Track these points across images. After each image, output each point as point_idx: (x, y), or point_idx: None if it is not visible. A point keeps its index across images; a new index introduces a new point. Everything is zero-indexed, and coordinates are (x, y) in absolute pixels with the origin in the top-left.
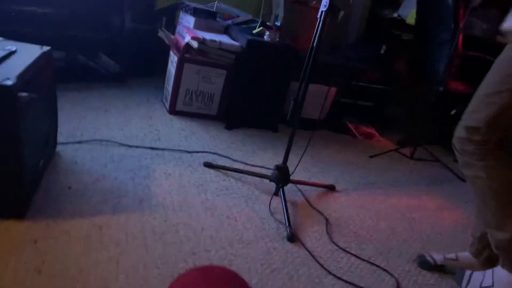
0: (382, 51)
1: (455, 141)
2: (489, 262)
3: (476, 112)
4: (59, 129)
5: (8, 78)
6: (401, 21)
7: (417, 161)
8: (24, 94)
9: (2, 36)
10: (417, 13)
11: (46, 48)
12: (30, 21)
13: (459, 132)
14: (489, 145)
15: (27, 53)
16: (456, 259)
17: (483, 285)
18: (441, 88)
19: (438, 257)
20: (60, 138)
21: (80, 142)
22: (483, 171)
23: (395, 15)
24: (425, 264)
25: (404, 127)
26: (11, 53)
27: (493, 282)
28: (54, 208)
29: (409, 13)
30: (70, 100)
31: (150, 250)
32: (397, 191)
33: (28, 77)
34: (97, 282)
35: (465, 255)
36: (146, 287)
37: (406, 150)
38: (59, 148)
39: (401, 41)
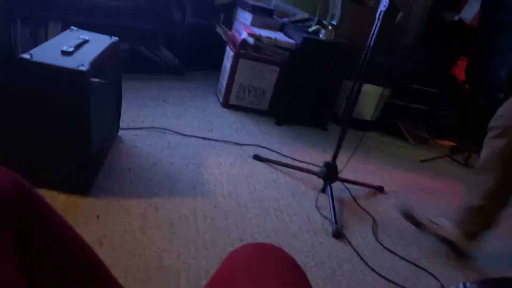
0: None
1: None
2: (468, 237)
3: None
4: (121, 115)
5: (82, 64)
6: (462, 24)
7: (471, 169)
8: (95, 79)
9: (76, 26)
10: (481, 16)
11: (114, 39)
12: (100, 12)
13: None
14: None
15: (98, 42)
16: (438, 224)
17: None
18: (501, 95)
19: (423, 216)
20: (122, 124)
21: (140, 129)
22: None
23: (456, 17)
24: (408, 215)
25: (458, 133)
26: (85, 41)
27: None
28: (115, 187)
29: (471, 16)
30: (131, 89)
31: (201, 232)
32: (448, 197)
33: (98, 64)
34: (152, 256)
35: (447, 223)
36: (196, 266)
37: (460, 157)
38: (121, 132)
39: (461, 45)
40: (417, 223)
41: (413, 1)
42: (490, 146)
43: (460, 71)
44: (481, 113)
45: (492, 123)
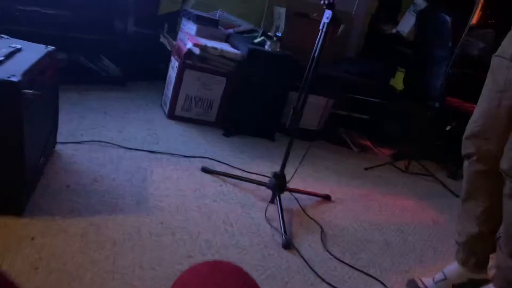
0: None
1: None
2: (478, 268)
3: None
4: (59, 129)
5: (13, 75)
6: (400, 37)
7: (411, 175)
8: (28, 91)
9: (7, 35)
10: (416, 30)
11: (50, 48)
12: (34, 21)
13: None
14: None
15: (32, 52)
16: (445, 278)
17: (436, 279)
18: (437, 104)
19: (428, 283)
20: (59, 138)
21: (79, 143)
22: None
23: (394, 30)
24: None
25: (399, 141)
26: (17, 50)
27: (445, 276)
28: (52, 205)
29: (408, 29)
30: (70, 101)
31: (146, 251)
32: (391, 203)
33: (33, 75)
34: (93, 280)
35: (452, 269)
36: (142, 287)
37: (401, 164)
38: (58, 147)
39: (399, 57)
40: None
41: (354, 15)
42: (470, 173)
43: (399, 82)
44: (420, 122)
45: (464, 150)
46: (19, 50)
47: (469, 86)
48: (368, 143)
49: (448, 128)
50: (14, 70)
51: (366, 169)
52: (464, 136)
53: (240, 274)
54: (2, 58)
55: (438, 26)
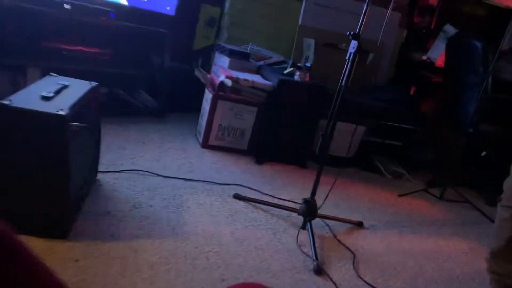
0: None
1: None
2: None
3: None
4: (100, 159)
5: (61, 109)
6: (430, 64)
7: (447, 202)
8: (74, 123)
9: (55, 73)
10: (446, 56)
11: (94, 84)
12: (78, 59)
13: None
14: None
15: (78, 88)
16: None
17: None
18: (470, 130)
19: None
20: (101, 167)
21: (119, 171)
22: None
23: (424, 57)
24: None
25: (433, 167)
26: (64, 87)
27: None
28: (94, 230)
29: (438, 55)
30: (110, 133)
31: (181, 274)
32: (426, 230)
33: (78, 108)
34: None
35: None
36: None
37: (435, 191)
38: (99, 176)
39: (430, 84)
40: None
41: (383, 43)
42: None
43: (431, 108)
44: (454, 148)
45: (504, 202)
46: (66, 86)
47: (503, 111)
48: (402, 169)
49: (483, 154)
50: (62, 105)
51: (400, 196)
52: None
53: None
54: (52, 94)
55: (469, 52)
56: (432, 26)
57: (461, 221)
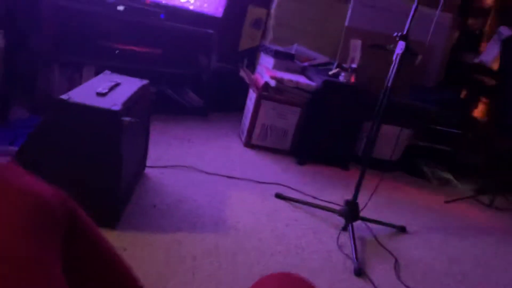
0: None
1: None
2: None
3: None
4: (148, 154)
5: (115, 104)
6: (483, 66)
7: (497, 210)
8: (126, 118)
9: (109, 70)
10: (500, 59)
11: (145, 81)
12: (130, 57)
13: None
14: None
15: (130, 85)
16: None
17: None
18: None
19: None
20: (148, 162)
21: (165, 167)
22: None
23: (476, 60)
24: None
25: (482, 174)
26: (117, 84)
27: None
28: (141, 221)
29: (491, 58)
30: (158, 129)
31: (222, 267)
32: (473, 238)
33: (130, 104)
34: None
35: None
36: None
37: (484, 198)
38: (147, 170)
39: (481, 87)
40: None
41: (431, 45)
42: None
43: (481, 112)
44: (506, 154)
45: None
46: (119, 83)
47: None
48: (449, 175)
49: None
50: (115, 101)
51: (446, 202)
52: None
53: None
54: (106, 90)
55: None
56: (486, 28)
57: (511, 230)
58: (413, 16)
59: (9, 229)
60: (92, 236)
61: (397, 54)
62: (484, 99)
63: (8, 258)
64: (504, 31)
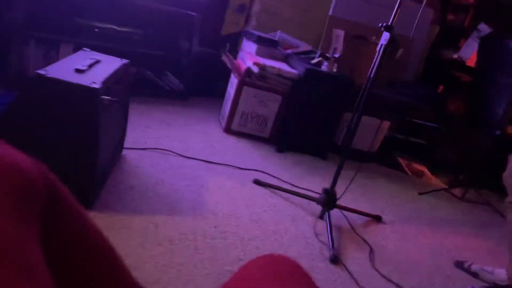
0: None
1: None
2: None
3: None
4: (126, 136)
5: (94, 82)
6: (461, 63)
7: (467, 203)
8: (106, 97)
9: (88, 48)
10: (478, 55)
11: (125, 61)
12: (110, 37)
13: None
14: None
15: (110, 63)
16: (492, 273)
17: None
18: (498, 132)
19: (474, 266)
20: (126, 143)
21: (143, 149)
22: None
23: (455, 56)
24: (461, 266)
25: (456, 168)
26: (97, 62)
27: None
28: (117, 203)
29: (469, 55)
30: (137, 111)
31: (199, 251)
32: (445, 229)
33: (110, 83)
34: (151, 271)
35: (502, 271)
36: (194, 283)
37: (457, 191)
38: (125, 152)
39: (459, 83)
40: (470, 272)
41: (413, 39)
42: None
43: (458, 108)
44: (479, 149)
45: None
46: (99, 61)
47: None
48: (424, 168)
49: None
50: (95, 78)
51: (420, 194)
52: None
53: (295, 265)
54: (85, 67)
55: (503, 53)
56: (466, 24)
57: (481, 223)
58: (398, 7)
59: None
60: (74, 210)
61: (381, 44)
62: (460, 95)
63: None
64: (483, 28)
